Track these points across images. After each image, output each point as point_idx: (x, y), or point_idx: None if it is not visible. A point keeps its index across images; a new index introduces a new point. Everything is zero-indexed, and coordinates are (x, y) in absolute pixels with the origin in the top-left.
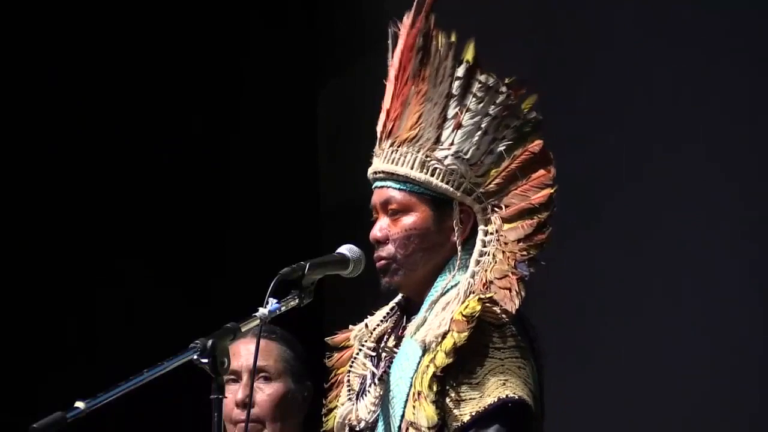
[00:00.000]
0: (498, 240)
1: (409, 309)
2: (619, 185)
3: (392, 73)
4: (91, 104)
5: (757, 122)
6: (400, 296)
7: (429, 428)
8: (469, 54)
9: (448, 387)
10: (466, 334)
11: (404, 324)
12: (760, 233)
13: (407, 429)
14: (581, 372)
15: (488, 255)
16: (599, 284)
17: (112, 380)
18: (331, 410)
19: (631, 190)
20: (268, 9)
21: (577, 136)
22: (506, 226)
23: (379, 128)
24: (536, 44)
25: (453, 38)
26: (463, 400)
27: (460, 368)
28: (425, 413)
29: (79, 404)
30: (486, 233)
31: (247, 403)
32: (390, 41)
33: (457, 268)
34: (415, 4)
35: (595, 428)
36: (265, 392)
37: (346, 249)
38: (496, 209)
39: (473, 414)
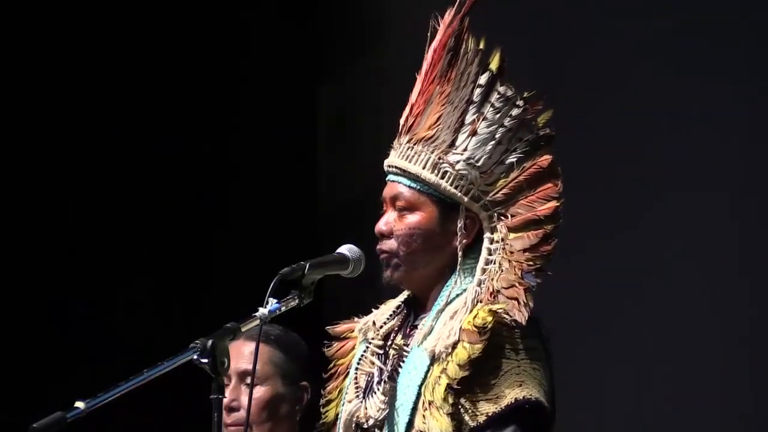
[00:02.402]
0: (504, 248)
1: (416, 306)
2: (625, 194)
3: (424, 67)
4: (89, 103)
5: (755, 127)
6: (407, 293)
7: None
8: (494, 63)
9: (462, 394)
10: (480, 346)
11: (412, 322)
12: (760, 237)
13: None
14: (581, 373)
15: (494, 263)
16: (599, 289)
17: (112, 380)
18: (329, 401)
19: (634, 202)
20: (268, 8)
21: (586, 144)
22: (512, 235)
23: (401, 121)
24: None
25: (482, 45)
26: (479, 401)
27: (474, 374)
28: (439, 425)
29: (79, 404)
30: (492, 241)
31: (233, 408)
32: (429, 36)
33: (461, 275)
34: (457, 2)
35: (594, 428)
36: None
37: (346, 249)
38: (502, 218)
39: (490, 414)
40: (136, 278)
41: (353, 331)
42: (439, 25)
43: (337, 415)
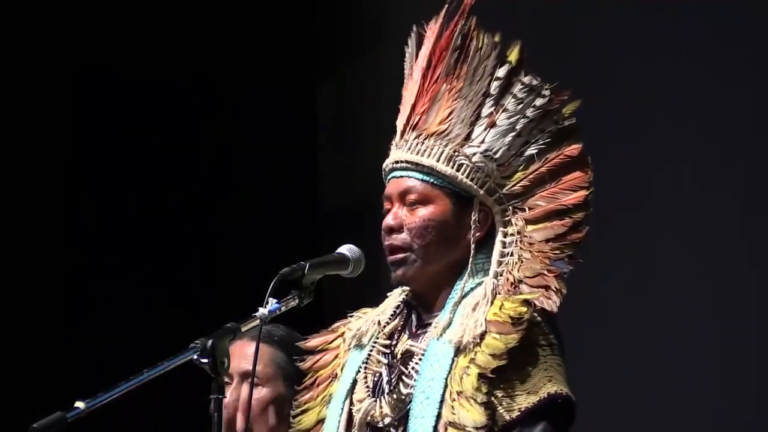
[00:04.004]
0: (521, 241)
1: (417, 306)
2: (626, 195)
3: (418, 71)
4: (88, 104)
5: (759, 133)
6: (404, 294)
7: (477, 429)
8: (513, 55)
9: (496, 385)
10: (516, 336)
11: (415, 321)
12: (762, 239)
13: (446, 429)
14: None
15: (511, 255)
16: (604, 290)
17: (112, 380)
18: (304, 411)
19: (637, 201)
20: (268, 8)
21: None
22: (530, 227)
23: (401, 122)
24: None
25: (497, 39)
26: (511, 396)
27: (509, 366)
28: (471, 414)
29: (79, 404)
30: (506, 234)
31: (248, 407)
32: (412, 42)
33: (474, 268)
34: (445, 8)
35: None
36: (253, 396)
37: (346, 249)
38: (518, 211)
39: (522, 410)
40: (137, 278)
41: (331, 341)
42: (425, 32)
43: (320, 420)
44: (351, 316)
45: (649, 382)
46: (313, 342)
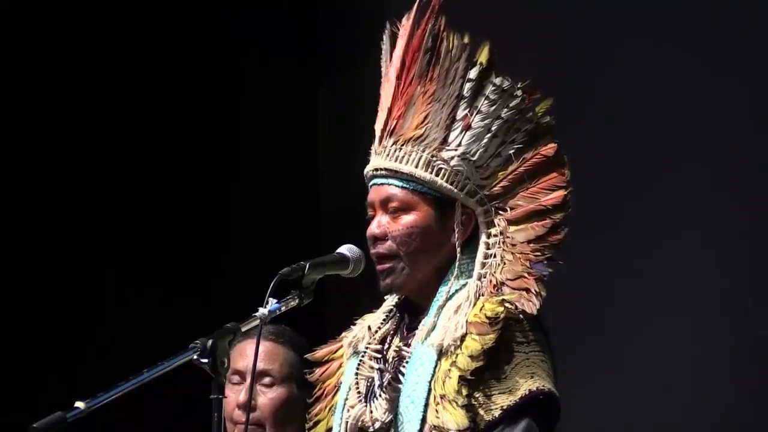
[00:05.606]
0: (504, 242)
1: (408, 309)
2: (624, 191)
3: (393, 72)
4: (89, 105)
5: (757, 127)
6: (396, 298)
7: (459, 431)
8: (483, 56)
9: (476, 386)
10: (493, 336)
11: (406, 323)
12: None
13: None
14: (579, 371)
15: (494, 257)
16: (601, 288)
17: (112, 380)
18: (317, 423)
19: (636, 195)
20: (269, 9)
21: (588, 139)
22: (512, 228)
23: (378, 126)
24: (535, 52)
25: (466, 40)
26: (493, 395)
27: (486, 366)
28: (454, 417)
29: (79, 404)
30: (489, 236)
31: (247, 406)
32: (387, 41)
33: (458, 271)
34: (416, 5)
35: (592, 428)
36: (267, 396)
37: (346, 249)
38: (500, 211)
39: (504, 407)
40: (138, 278)
41: (336, 351)
42: (398, 30)
43: (329, 429)
44: (354, 324)
45: (646, 382)
46: (320, 353)
